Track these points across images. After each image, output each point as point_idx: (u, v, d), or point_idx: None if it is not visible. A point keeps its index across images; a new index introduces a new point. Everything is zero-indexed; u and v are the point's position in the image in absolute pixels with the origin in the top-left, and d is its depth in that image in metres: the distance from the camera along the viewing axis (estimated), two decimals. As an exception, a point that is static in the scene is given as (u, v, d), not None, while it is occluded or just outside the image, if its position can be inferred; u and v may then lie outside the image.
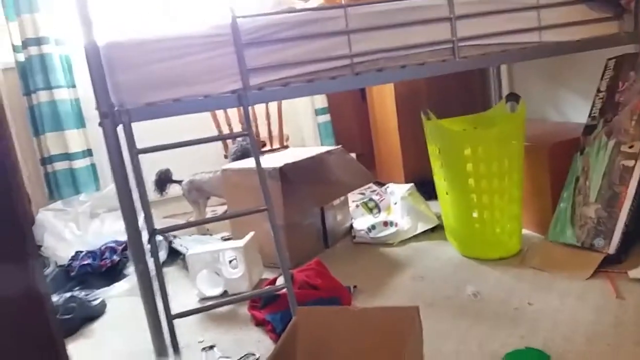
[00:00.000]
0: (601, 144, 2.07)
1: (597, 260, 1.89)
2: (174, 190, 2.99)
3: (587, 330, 1.53)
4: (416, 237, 2.46)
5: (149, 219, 1.56)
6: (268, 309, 1.79)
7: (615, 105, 2.10)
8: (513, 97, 2.23)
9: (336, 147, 2.68)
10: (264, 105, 3.20)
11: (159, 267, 1.56)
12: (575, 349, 1.44)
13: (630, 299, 1.67)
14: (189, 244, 2.51)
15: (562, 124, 2.69)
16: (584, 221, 2.01)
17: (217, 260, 2.07)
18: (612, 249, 1.89)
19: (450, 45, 1.88)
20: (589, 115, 2.18)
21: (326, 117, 3.77)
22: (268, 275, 2.22)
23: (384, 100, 3.29)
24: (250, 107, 1.70)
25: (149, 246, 1.60)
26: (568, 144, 2.20)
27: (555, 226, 2.11)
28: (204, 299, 2.07)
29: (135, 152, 1.55)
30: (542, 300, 1.74)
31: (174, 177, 2.94)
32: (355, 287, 1.99)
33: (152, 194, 2.78)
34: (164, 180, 2.92)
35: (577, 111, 2.72)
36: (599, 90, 2.19)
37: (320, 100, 3.74)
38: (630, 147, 1.98)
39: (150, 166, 2.61)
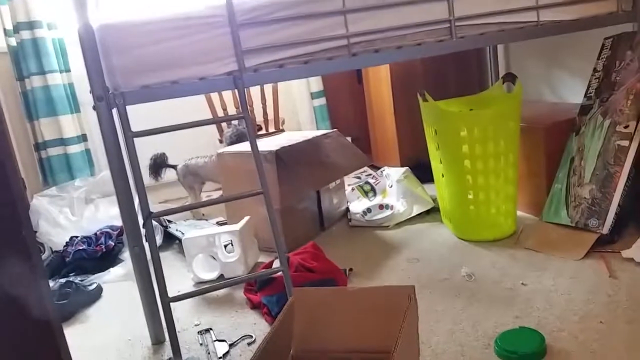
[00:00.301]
0: (597, 124, 2.07)
1: (590, 240, 1.90)
2: (169, 175, 2.98)
3: (580, 309, 1.54)
4: (411, 220, 2.47)
5: (144, 202, 1.55)
6: (264, 291, 1.79)
7: (612, 85, 2.09)
8: (510, 77, 2.22)
9: (332, 130, 2.67)
10: (259, 88, 3.18)
11: (155, 250, 1.55)
12: (568, 328, 1.46)
13: (623, 278, 1.68)
14: (185, 228, 2.51)
15: (558, 104, 2.69)
16: (578, 202, 2.02)
17: (213, 245, 2.08)
18: (605, 229, 1.90)
19: (447, 25, 1.86)
20: (585, 96, 2.18)
21: (322, 101, 3.76)
22: (264, 259, 2.22)
23: (379, 83, 3.27)
24: (245, 91, 1.68)
25: (144, 230, 1.60)
26: (564, 125, 2.20)
27: (549, 207, 2.11)
28: (200, 283, 2.08)
29: (130, 136, 1.54)
30: (536, 281, 1.75)
31: (169, 162, 2.93)
32: (351, 269, 2.00)
33: (147, 179, 2.77)
34: (159, 164, 2.91)
35: (573, 92, 2.71)
36: (595, 70, 2.18)
37: (316, 84, 3.72)
38: (626, 127, 1.97)
39: (145, 151, 2.60)
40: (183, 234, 2.33)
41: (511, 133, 2.05)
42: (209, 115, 3.11)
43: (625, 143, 1.96)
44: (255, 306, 1.81)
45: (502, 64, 3.17)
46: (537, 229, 2.12)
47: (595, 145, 2.04)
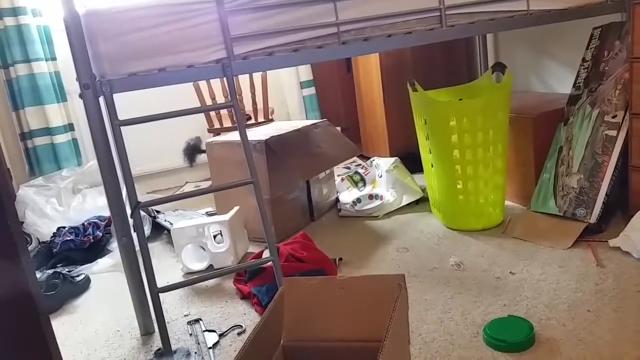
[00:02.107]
0: (585, 114, 2.08)
1: (578, 229, 1.91)
2: (156, 165, 2.95)
3: (568, 297, 1.56)
4: (401, 210, 2.48)
5: (132, 192, 1.53)
6: (253, 282, 1.79)
7: (600, 74, 2.10)
8: (499, 67, 2.22)
9: (322, 120, 2.66)
10: (248, 78, 3.15)
11: (144, 240, 1.54)
12: (557, 316, 1.47)
13: (610, 267, 1.70)
14: (173, 219, 2.50)
15: (547, 94, 2.70)
16: (566, 191, 2.03)
17: (202, 235, 2.06)
18: (593, 218, 1.92)
19: (437, 14, 1.85)
20: (574, 86, 2.18)
21: (311, 90, 3.74)
22: (253, 249, 2.22)
23: (369, 73, 3.26)
24: (234, 80, 1.66)
25: (132, 221, 1.58)
26: (552, 115, 2.21)
27: (537, 196, 2.13)
28: (189, 273, 2.07)
29: (117, 124, 1.52)
30: (525, 270, 1.76)
31: (203, 147, 2.86)
32: (340, 259, 2.00)
33: (135, 168, 2.75)
34: (193, 148, 2.86)
35: (561, 82, 2.72)
36: (584, 60, 2.19)
37: (306, 73, 3.70)
38: (614, 117, 1.99)
39: (132, 140, 2.57)
40: (172, 224, 2.32)
41: (500, 123, 2.05)
42: (197, 105, 3.07)
43: (613, 133, 1.97)
44: (245, 296, 1.80)
45: (491, 53, 3.17)
46: (525, 218, 2.13)
47: (583, 135, 2.06)
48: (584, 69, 2.17)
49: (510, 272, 1.75)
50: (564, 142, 2.12)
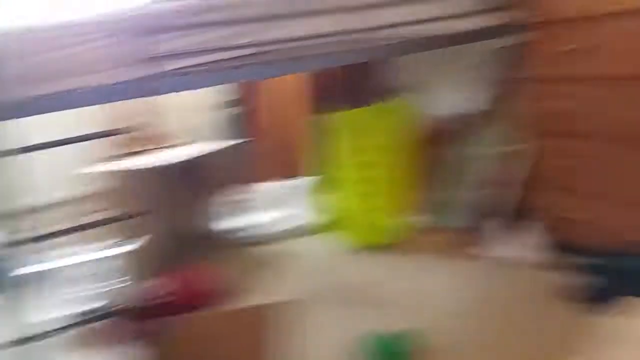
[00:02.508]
0: (480, 132, 2.24)
1: (467, 241, 2.06)
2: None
3: (455, 307, 1.62)
4: (305, 231, 2.46)
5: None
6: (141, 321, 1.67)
7: (497, 95, 2.23)
8: (403, 89, 2.31)
9: (229, 142, 2.59)
10: (156, 99, 3.01)
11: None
12: (440, 327, 1.50)
13: (495, 276, 1.80)
14: (57, 257, 2.25)
15: (446, 114, 2.73)
16: (459, 205, 2.16)
17: (63, 276, 1.89)
18: (481, 230, 2.06)
19: (353, 36, 1.80)
20: (470, 105, 2.29)
21: (226, 111, 3.63)
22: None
23: (284, 92, 3.24)
24: (143, 100, 1.58)
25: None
26: (450, 134, 2.33)
27: (435, 211, 2.27)
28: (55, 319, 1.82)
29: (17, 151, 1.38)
30: (415, 282, 1.83)
31: None
32: (232, 288, 1.93)
33: (21, 200, 2.50)
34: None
35: (460, 102, 2.77)
36: (479, 81, 2.29)
37: (220, 94, 3.60)
38: (507, 135, 2.15)
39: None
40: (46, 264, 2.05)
41: (404, 142, 2.15)
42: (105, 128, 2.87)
43: (494, 150, 2.16)
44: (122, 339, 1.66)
45: (394, 75, 3.18)
46: (423, 232, 2.25)
47: (478, 152, 2.21)
48: (480, 89, 2.28)
49: (402, 286, 1.81)
50: (459, 159, 2.25)
